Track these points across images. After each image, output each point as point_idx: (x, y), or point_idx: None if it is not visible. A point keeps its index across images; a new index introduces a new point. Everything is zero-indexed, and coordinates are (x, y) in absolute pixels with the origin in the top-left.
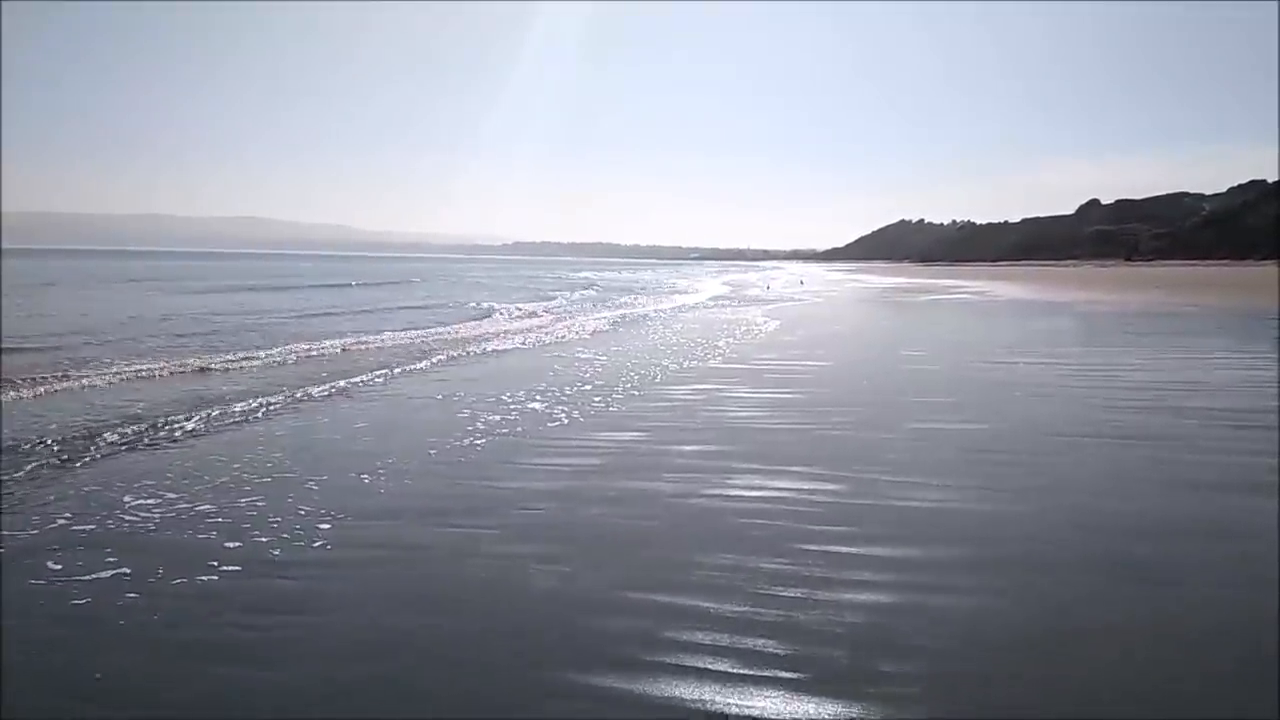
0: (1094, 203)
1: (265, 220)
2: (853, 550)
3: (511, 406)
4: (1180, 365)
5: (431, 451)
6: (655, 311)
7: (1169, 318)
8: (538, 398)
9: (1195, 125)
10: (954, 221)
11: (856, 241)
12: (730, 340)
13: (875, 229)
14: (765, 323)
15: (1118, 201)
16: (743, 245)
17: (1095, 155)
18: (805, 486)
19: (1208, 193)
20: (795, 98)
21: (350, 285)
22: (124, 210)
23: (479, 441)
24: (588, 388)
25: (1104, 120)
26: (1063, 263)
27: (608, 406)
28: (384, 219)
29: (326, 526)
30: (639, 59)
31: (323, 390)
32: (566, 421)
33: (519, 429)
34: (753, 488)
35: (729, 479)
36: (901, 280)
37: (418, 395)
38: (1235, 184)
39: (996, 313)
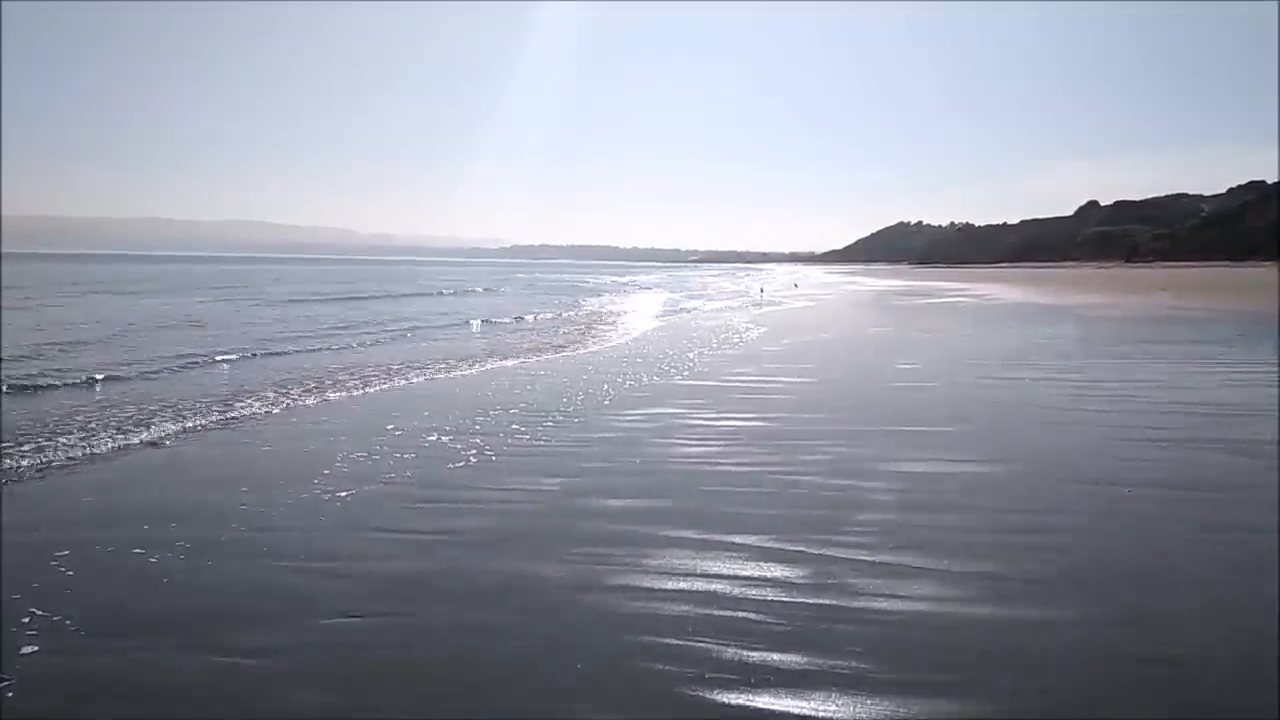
0: (1093, 204)
1: (266, 224)
2: (795, 709)
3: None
4: (1207, 382)
5: (258, 509)
6: (630, 313)
7: (1182, 324)
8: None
9: (1192, 127)
10: (953, 223)
11: (855, 244)
12: (704, 351)
13: (874, 231)
14: (748, 329)
15: (1116, 203)
16: (741, 248)
17: (1093, 158)
18: (746, 572)
19: (1207, 194)
20: (794, 100)
21: (442, 294)
22: (123, 214)
23: (344, 493)
24: (514, 410)
25: (1101, 122)
26: (1062, 264)
27: (534, 439)
28: (384, 222)
29: (31, 649)
30: (638, 62)
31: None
32: (474, 462)
33: (408, 473)
34: (676, 573)
35: (649, 558)
36: (899, 283)
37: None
38: (1234, 185)
39: (997, 318)
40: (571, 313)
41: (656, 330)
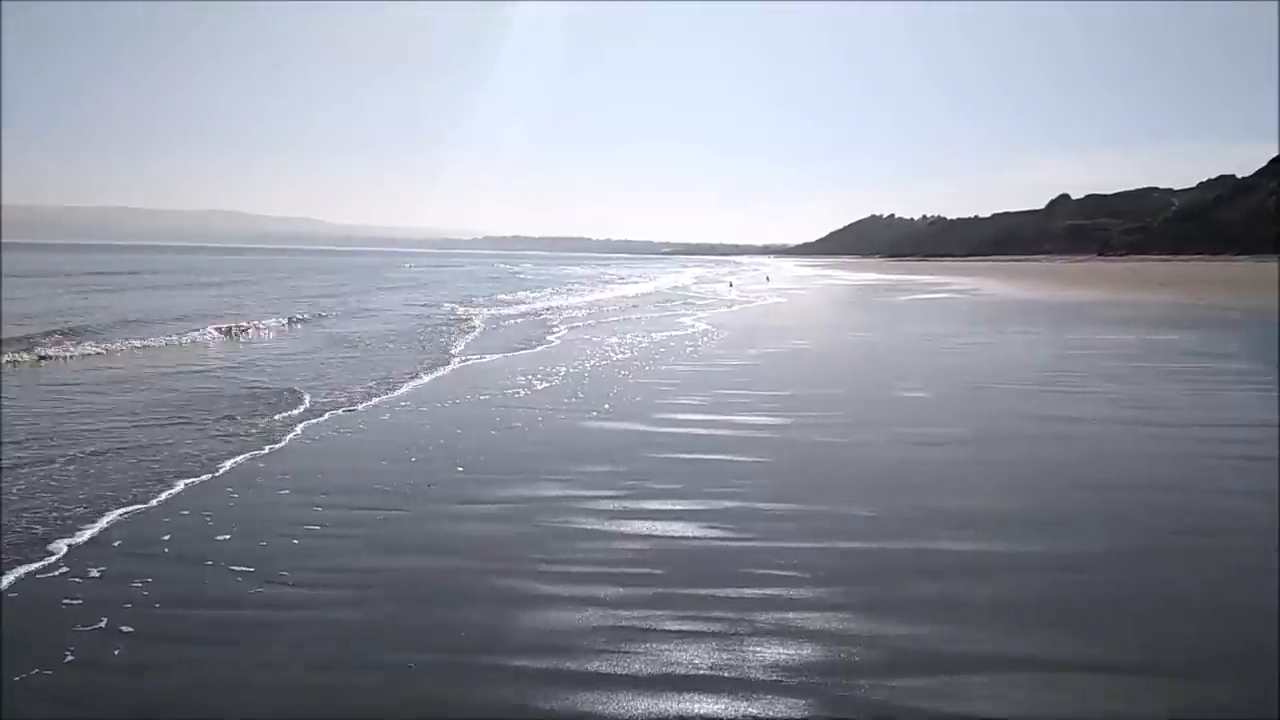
0: (1064, 197)
1: (232, 213)
2: None
3: None
4: None
5: None
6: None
7: (1224, 328)
8: None
9: (1160, 124)
10: (924, 216)
11: (827, 237)
12: (642, 367)
13: (846, 224)
14: (707, 334)
15: (1087, 196)
16: (714, 240)
17: (1064, 153)
18: None
19: (1176, 188)
20: (768, 95)
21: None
22: (92, 203)
23: None
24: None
25: (1072, 120)
26: (1035, 258)
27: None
28: (357, 214)
29: None
30: (615, 58)
31: None
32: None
33: None
34: None
35: None
36: (875, 277)
37: None
38: (1204, 179)
39: (998, 319)
40: (486, 310)
41: (586, 333)
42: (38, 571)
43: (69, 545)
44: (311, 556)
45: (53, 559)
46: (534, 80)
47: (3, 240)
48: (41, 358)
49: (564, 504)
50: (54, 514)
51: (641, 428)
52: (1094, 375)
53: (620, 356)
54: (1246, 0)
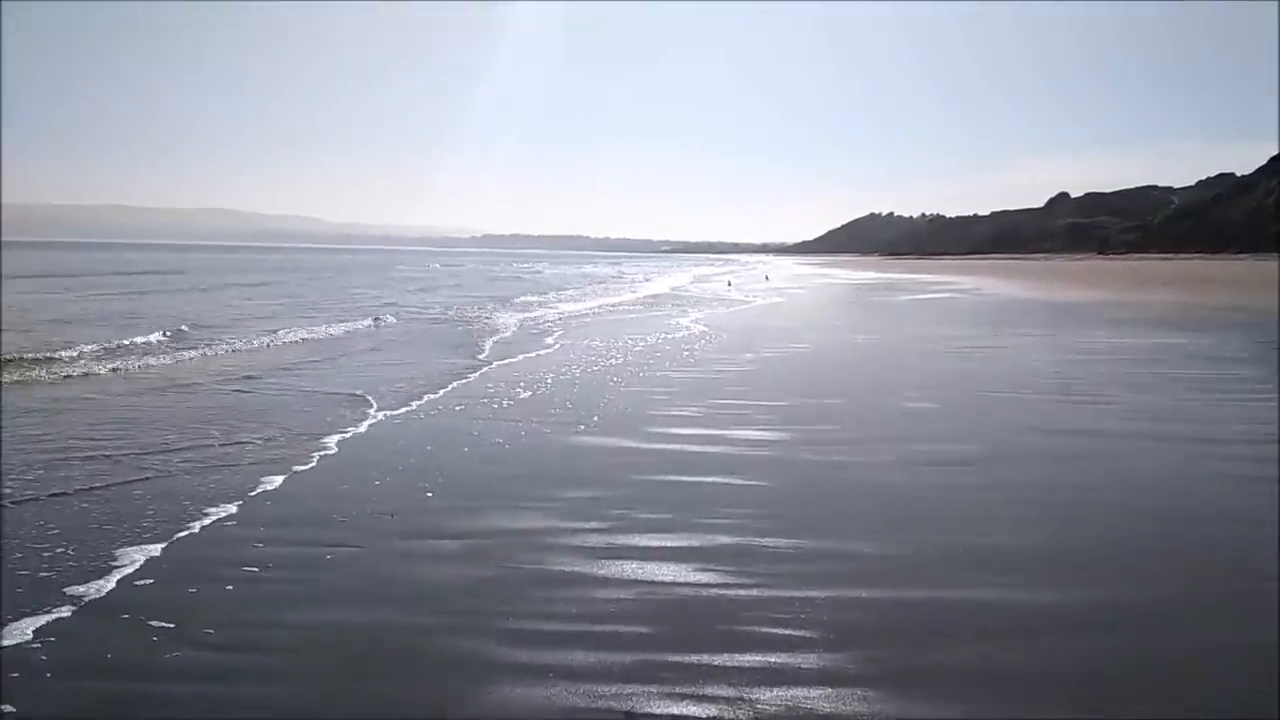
0: (1063, 196)
1: (232, 212)
2: None
3: None
4: None
5: None
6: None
7: (1235, 330)
8: None
9: (1159, 123)
10: (924, 214)
11: (825, 235)
12: (635, 372)
13: (845, 222)
14: (704, 337)
15: (1086, 195)
16: (713, 239)
17: (1063, 152)
18: None
19: (1176, 187)
20: (766, 93)
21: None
22: (87, 201)
23: None
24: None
25: (1071, 118)
26: (1034, 256)
27: None
28: (350, 212)
29: None
30: (614, 58)
31: None
32: None
33: None
34: None
35: None
36: (874, 275)
37: None
38: (1203, 178)
39: (1003, 321)
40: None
41: (577, 335)
42: None
43: None
44: (242, 608)
45: None
46: (532, 79)
47: (2, 239)
48: (113, 369)
49: (539, 539)
50: None
51: (631, 444)
52: (1109, 382)
53: (611, 359)
54: (1246, 0)
